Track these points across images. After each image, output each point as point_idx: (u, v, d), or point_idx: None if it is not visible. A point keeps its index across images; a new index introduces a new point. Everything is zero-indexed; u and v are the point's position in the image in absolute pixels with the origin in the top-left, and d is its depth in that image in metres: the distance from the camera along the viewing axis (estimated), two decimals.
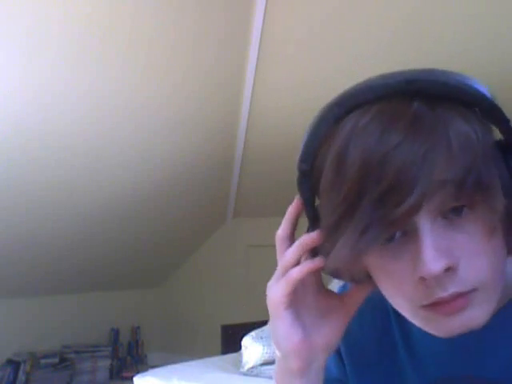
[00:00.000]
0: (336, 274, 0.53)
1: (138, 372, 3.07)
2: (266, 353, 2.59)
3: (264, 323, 2.95)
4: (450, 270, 0.44)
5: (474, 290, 0.46)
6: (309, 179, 0.51)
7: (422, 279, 0.45)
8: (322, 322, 0.55)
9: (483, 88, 0.50)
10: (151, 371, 2.82)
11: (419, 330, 0.54)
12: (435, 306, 0.46)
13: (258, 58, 3.12)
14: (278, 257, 0.54)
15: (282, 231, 0.54)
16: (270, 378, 2.53)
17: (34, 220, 3.46)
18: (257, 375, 2.57)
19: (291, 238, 0.54)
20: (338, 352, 0.67)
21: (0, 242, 3.46)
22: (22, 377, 3.84)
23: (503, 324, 0.54)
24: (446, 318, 0.47)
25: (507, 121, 0.49)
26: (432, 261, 0.44)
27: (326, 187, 0.48)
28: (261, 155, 3.84)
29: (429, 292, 0.46)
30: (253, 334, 2.68)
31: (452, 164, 0.43)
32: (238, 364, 2.70)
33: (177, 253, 4.80)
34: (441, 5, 2.55)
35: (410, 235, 0.46)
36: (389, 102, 0.47)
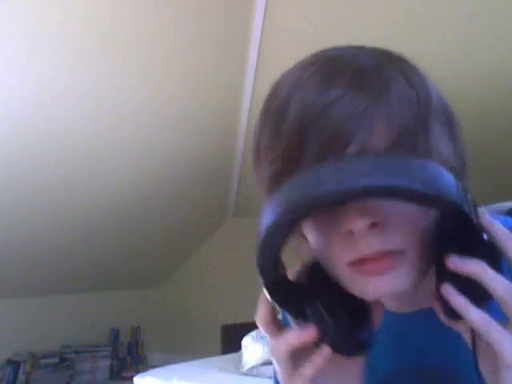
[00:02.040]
0: None
1: (138, 372, 3.07)
2: (266, 353, 2.59)
3: None
4: (375, 226, 0.44)
5: (400, 252, 0.46)
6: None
7: (350, 233, 0.45)
8: None
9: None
10: (151, 371, 2.82)
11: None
12: (361, 264, 0.46)
13: (257, 58, 3.12)
14: (270, 342, 0.51)
15: (261, 317, 0.52)
16: (270, 377, 2.53)
17: (34, 220, 3.46)
18: (257, 375, 2.57)
19: (274, 321, 0.52)
20: None
21: (0, 242, 3.46)
22: (21, 377, 3.84)
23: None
24: (370, 278, 0.46)
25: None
26: (357, 215, 0.44)
27: (266, 143, 0.48)
28: None
29: (355, 248, 0.45)
30: (253, 334, 2.68)
31: (390, 123, 0.45)
32: (238, 364, 2.70)
33: (177, 253, 4.80)
34: (440, 5, 2.55)
35: None
36: (332, 58, 0.48)
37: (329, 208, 0.45)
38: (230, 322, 4.03)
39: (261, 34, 2.99)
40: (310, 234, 0.50)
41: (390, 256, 0.45)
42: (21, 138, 2.88)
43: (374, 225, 0.44)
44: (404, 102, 0.46)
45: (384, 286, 0.46)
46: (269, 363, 2.62)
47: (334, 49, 0.51)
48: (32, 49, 2.49)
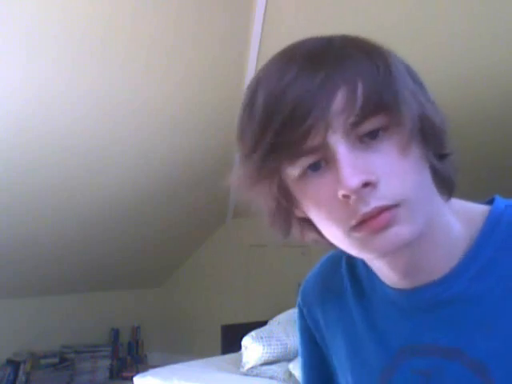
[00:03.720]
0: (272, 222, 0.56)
1: (138, 372, 3.07)
2: (266, 353, 2.58)
3: (264, 323, 2.95)
4: (369, 185, 0.47)
5: (397, 205, 0.48)
6: None
7: (345, 197, 0.47)
8: None
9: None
10: (151, 371, 2.82)
11: (378, 302, 0.58)
12: (363, 224, 0.48)
13: (257, 58, 3.12)
14: None
15: None
16: (270, 377, 2.53)
17: (34, 220, 3.46)
18: (257, 375, 2.57)
19: None
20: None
21: (0, 242, 3.46)
22: (21, 377, 3.84)
23: (459, 291, 0.54)
24: (374, 235, 0.48)
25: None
26: (349, 176, 0.46)
27: (240, 136, 0.53)
28: None
29: (353, 209, 0.48)
30: (253, 333, 2.68)
31: (353, 86, 0.47)
32: (238, 364, 2.70)
33: (177, 253, 4.80)
34: (440, 5, 2.55)
35: (332, 163, 0.49)
36: (288, 47, 0.52)
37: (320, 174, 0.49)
38: (230, 322, 4.03)
39: (261, 35, 2.99)
40: (309, 202, 0.52)
41: (388, 211, 0.48)
42: (21, 137, 2.88)
43: (366, 184, 0.47)
44: (361, 68, 0.48)
45: (388, 241, 0.48)
46: (269, 363, 2.62)
47: (294, 42, 0.54)
48: (32, 49, 2.49)
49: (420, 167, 0.50)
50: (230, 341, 3.42)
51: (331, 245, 0.55)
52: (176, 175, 3.77)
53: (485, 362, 0.52)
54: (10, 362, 3.89)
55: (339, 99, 0.47)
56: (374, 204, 0.47)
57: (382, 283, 0.60)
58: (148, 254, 4.51)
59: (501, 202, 0.57)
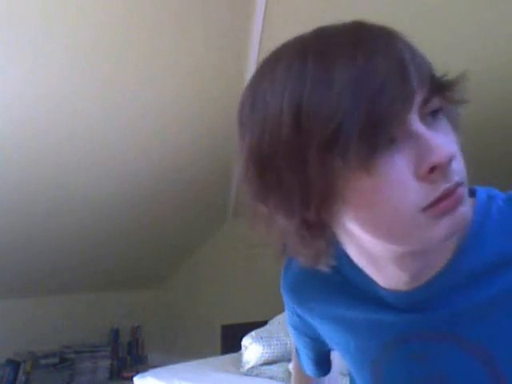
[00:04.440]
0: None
1: (138, 372, 3.07)
2: (266, 353, 2.58)
3: (264, 323, 2.95)
4: (453, 158, 0.47)
5: (463, 183, 0.49)
6: None
7: (430, 172, 0.47)
8: None
9: None
10: (151, 371, 2.82)
11: (370, 297, 0.59)
12: (439, 202, 0.47)
13: (258, 58, 3.12)
14: None
15: None
16: (270, 378, 2.53)
17: (34, 220, 3.46)
18: (257, 375, 2.57)
19: None
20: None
21: (0, 242, 3.46)
22: (21, 377, 3.84)
23: (453, 286, 0.55)
24: (443, 218, 0.48)
25: None
26: (442, 146, 0.46)
27: (307, 117, 0.48)
28: None
29: (434, 187, 0.47)
30: (253, 333, 2.68)
31: (420, 69, 0.48)
32: (238, 364, 2.70)
33: (177, 253, 4.80)
34: (440, 5, 2.55)
35: (404, 142, 0.48)
36: (333, 28, 0.52)
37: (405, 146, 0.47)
38: (230, 322, 4.03)
39: (261, 34, 2.99)
40: (366, 192, 0.49)
41: (460, 188, 0.48)
42: (23, 138, 2.88)
43: (453, 158, 0.47)
44: (420, 55, 0.50)
45: (455, 221, 0.48)
46: (269, 363, 2.61)
47: (324, 27, 0.53)
48: (38, 53, 2.50)
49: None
50: (230, 341, 3.42)
51: (324, 256, 0.55)
52: (176, 175, 3.77)
53: (483, 344, 0.53)
54: (10, 361, 3.89)
55: (415, 78, 0.48)
56: (454, 179, 0.48)
57: (372, 284, 0.60)
58: (148, 254, 4.51)
59: (481, 192, 0.58)
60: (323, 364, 0.84)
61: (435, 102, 0.49)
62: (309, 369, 0.86)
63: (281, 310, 3.14)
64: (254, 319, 3.69)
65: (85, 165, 3.28)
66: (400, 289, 0.57)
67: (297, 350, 0.86)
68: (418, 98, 0.48)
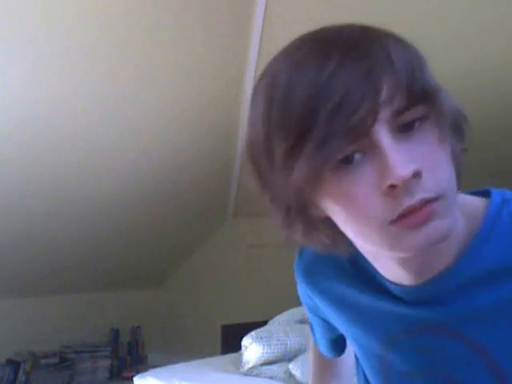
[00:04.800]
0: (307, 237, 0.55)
1: (138, 372, 3.07)
2: (266, 353, 2.58)
3: (264, 323, 2.95)
4: (416, 175, 0.46)
5: (437, 198, 0.47)
6: None
7: (391, 188, 0.46)
8: None
9: None
10: (151, 371, 2.82)
11: (379, 290, 0.59)
12: (403, 218, 0.47)
13: (257, 58, 3.12)
14: None
15: None
16: (270, 378, 2.53)
17: (34, 219, 3.46)
18: (257, 375, 2.57)
19: None
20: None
21: (0, 242, 3.46)
22: (21, 377, 3.84)
23: (460, 285, 0.55)
24: (414, 230, 0.47)
25: None
26: (400, 164, 0.45)
27: (278, 124, 0.48)
28: None
29: (397, 202, 0.46)
30: (253, 333, 2.68)
31: (396, 77, 0.46)
32: (238, 364, 2.70)
33: (177, 253, 4.79)
34: (441, 5, 2.55)
35: (371, 154, 0.47)
36: (320, 37, 0.50)
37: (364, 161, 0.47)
38: (230, 322, 4.03)
39: (261, 34, 2.99)
40: (338, 198, 0.49)
41: (430, 204, 0.47)
42: (24, 139, 2.88)
43: (415, 174, 0.45)
44: (402, 58, 0.48)
45: (430, 234, 0.47)
46: (269, 363, 2.61)
47: (317, 30, 0.52)
48: (38, 53, 2.49)
49: (450, 160, 0.50)
50: (230, 341, 3.42)
51: (340, 246, 0.55)
52: (176, 175, 3.77)
53: (486, 346, 0.54)
54: (10, 361, 3.89)
55: (385, 89, 0.46)
56: (418, 196, 0.46)
57: (382, 277, 0.60)
58: (148, 254, 4.51)
59: (497, 195, 0.57)
60: (337, 344, 0.85)
61: (413, 112, 0.47)
62: (324, 349, 0.87)
63: (281, 310, 3.14)
64: (254, 319, 3.69)
65: (85, 165, 3.28)
66: (406, 284, 0.58)
67: (312, 330, 0.88)
68: (388, 110, 0.46)
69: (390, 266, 0.57)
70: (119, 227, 3.96)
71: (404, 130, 0.48)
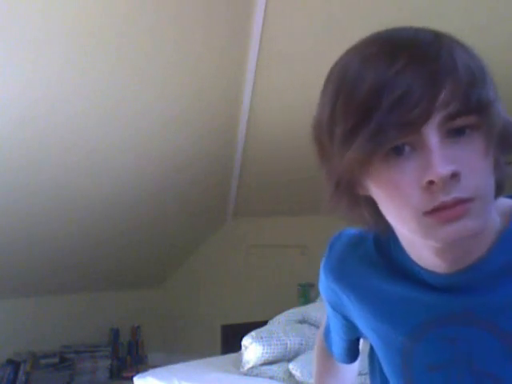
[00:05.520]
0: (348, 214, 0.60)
1: (138, 372, 3.07)
2: (266, 353, 2.58)
3: (264, 323, 2.95)
4: (455, 176, 0.50)
5: (472, 199, 0.51)
6: None
7: (430, 184, 0.51)
8: None
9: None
10: (151, 371, 2.81)
11: (408, 278, 0.62)
12: (437, 211, 0.52)
13: (257, 58, 3.12)
14: None
15: None
16: (270, 378, 2.53)
17: (34, 219, 3.46)
18: (257, 375, 2.57)
19: None
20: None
21: (0, 242, 3.46)
22: (21, 377, 3.84)
23: (496, 261, 0.58)
24: (444, 224, 0.52)
25: None
26: (441, 164, 0.50)
27: (343, 107, 0.54)
28: (261, 155, 3.84)
29: (433, 197, 0.51)
30: (253, 333, 2.67)
31: (457, 84, 0.50)
32: (238, 364, 2.70)
33: (177, 253, 4.79)
34: (436, 2, 2.55)
35: (419, 150, 0.52)
36: (391, 37, 0.54)
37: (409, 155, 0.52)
38: (230, 322, 4.03)
39: (261, 34, 2.99)
40: (383, 183, 0.54)
41: (463, 203, 0.51)
42: (21, 136, 2.88)
43: (454, 175, 0.50)
44: (465, 65, 0.52)
45: (455, 232, 0.52)
46: (269, 363, 2.61)
47: (389, 30, 0.56)
48: (38, 52, 2.49)
49: (492, 168, 0.54)
50: (230, 341, 3.42)
51: (379, 226, 0.60)
52: (176, 175, 3.77)
53: None
54: (10, 361, 3.89)
55: (444, 93, 0.50)
56: (453, 195, 0.51)
57: (413, 264, 0.63)
58: (148, 254, 4.51)
59: None
60: (351, 349, 0.86)
61: (465, 119, 0.51)
62: (338, 352, 0.87)
63: (281, 310, 3.14)
64: (253, 319, 3.69)
65: (85, 165, 3.27)
66: (440, 272, 0.60)
67: (329, 330, 0.88)
68: (442, 113, 0.51)
69: (425, 254, 0.60)
70: (119, 227, 3.96)
71: (454, 134, 0.52)
